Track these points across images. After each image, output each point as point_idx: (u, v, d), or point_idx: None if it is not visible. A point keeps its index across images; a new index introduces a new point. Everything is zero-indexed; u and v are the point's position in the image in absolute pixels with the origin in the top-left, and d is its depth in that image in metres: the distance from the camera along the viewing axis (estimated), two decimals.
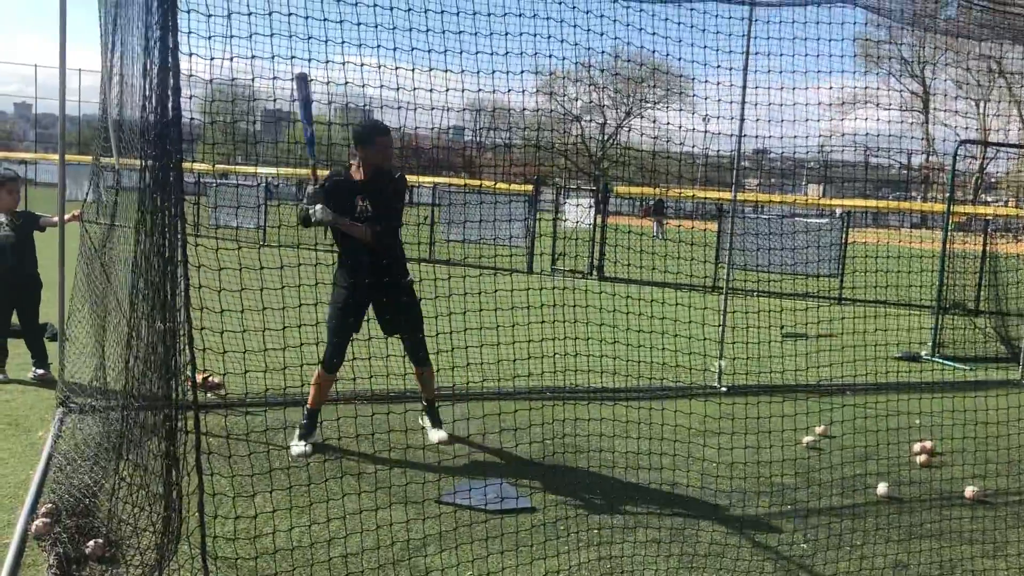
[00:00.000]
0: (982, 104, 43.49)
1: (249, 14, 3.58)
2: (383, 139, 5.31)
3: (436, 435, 5.78)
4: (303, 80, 4.92)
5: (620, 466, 5.28)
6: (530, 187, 20.07)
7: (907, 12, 8.06)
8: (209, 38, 3.23)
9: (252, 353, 4.43)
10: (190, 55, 3.02)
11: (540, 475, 5.18)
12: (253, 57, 3.58)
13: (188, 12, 3.04)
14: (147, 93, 3.15)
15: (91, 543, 3.70)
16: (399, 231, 5.51)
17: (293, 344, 4.47)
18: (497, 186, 16.92)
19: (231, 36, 3.48)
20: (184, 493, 3.17)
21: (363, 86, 4.84)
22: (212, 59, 3.46)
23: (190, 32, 3.05)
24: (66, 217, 6.56)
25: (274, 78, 4.13)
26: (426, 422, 5.90)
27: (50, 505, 4.12)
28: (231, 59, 3.48)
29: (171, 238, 3.07)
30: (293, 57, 3.88)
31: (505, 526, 4.30)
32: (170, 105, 2.89)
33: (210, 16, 3.23)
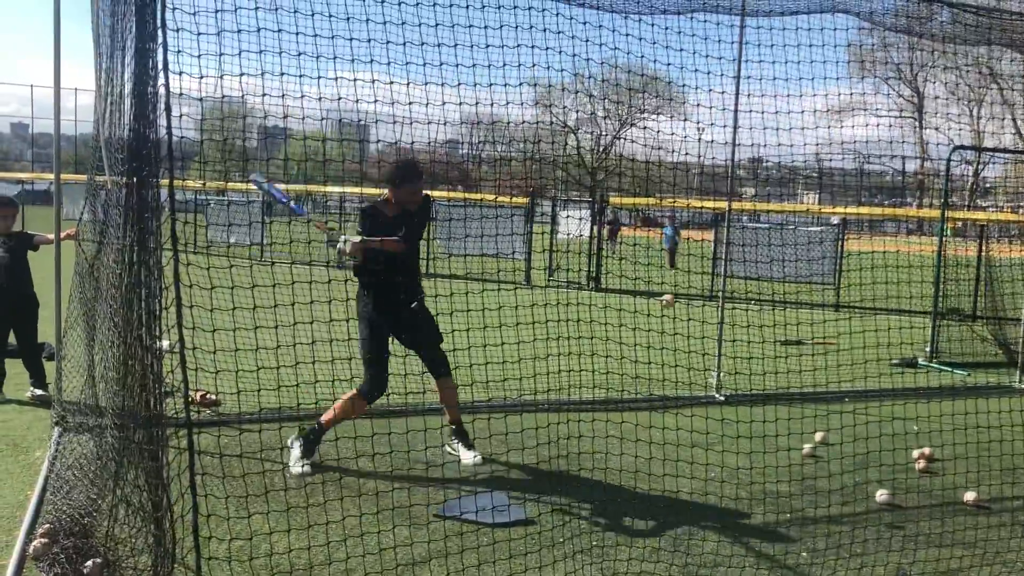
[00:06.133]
0: (975, 109, 43.54)
1: (238, 31, 3.60)
2: (412, 185, 5.33)
3: (470, 457, 5.49)
4: (256, 181, 5.66)
5: (618, 476, 5.27)
6: (526, 199, 20.07)
7: (899, 18, 8.10)
8: (199, 56, 3.24)
9: (245, 372, 4.42)
10: (179, 73, 3.03)
11: (538, 487, 5.16)
12: (242, 75, 3.60)
13: (177, 31, 3.04)
14: (136, 111, 3.15)
15: (89, 563, 3.68)
16: (418, 248, 5.55)
17: (287, 363, 4.47)
18: (491, 198, 16.94)
19: (222, 54, 3.49)
20: (180, 513, 3.16)
21: (356, 101, 4.85)
22: (202, 77, 3.47)
23: (179, 51, 3.05)
24: (61, 235, 6.56)
25: (264, 95, 4.14)
26: (458, 447, 5.59)
27: (48, 525, 4.10)
28: (221, 76, 3.49)
29: (159, 257, 3.06)
30: (283, 74, 3.89)
31: (503, 538, 4.28)
32: (160, 122, 2.90)
33: (199, 34, 3.24)
